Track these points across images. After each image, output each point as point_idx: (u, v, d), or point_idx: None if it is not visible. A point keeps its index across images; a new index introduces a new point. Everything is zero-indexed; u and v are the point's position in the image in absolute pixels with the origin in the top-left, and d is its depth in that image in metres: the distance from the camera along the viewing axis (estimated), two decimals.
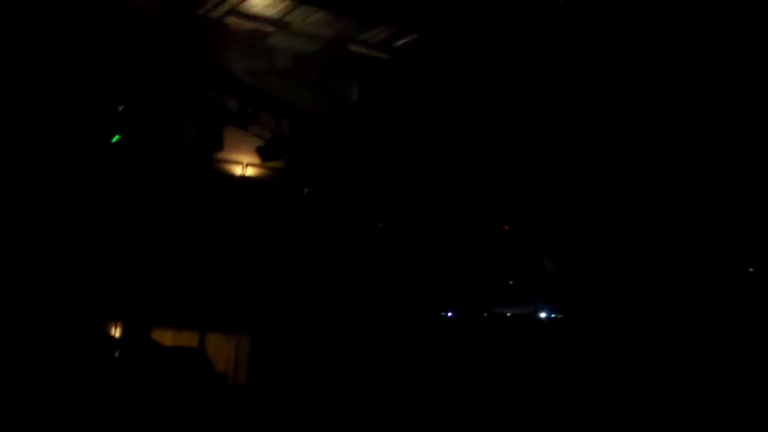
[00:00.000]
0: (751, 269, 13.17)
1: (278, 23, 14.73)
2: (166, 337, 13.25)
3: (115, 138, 12.57)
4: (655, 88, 13.86)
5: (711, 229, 13.46)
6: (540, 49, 14.36)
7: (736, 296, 12.95)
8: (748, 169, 13.36)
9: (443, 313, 15.16)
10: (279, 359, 13.94)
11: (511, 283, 15.01)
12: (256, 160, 13.77)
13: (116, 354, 12.78)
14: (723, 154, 13.49)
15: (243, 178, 14.50)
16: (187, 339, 13.44)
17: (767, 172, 13.20)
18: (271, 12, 14.52)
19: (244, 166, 14.44)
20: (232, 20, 14.54)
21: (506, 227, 15.05)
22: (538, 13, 13.98)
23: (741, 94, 13.22)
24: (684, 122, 13.73)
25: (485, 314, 15.09)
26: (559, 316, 14.85)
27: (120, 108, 12.49)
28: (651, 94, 13.91)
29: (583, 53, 14.05)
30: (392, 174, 14.80)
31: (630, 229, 14.26)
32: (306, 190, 14.28)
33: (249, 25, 14.64)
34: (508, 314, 15.08)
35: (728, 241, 13.37)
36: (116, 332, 13.34)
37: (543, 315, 14.93)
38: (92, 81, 12.26)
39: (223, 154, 13.51)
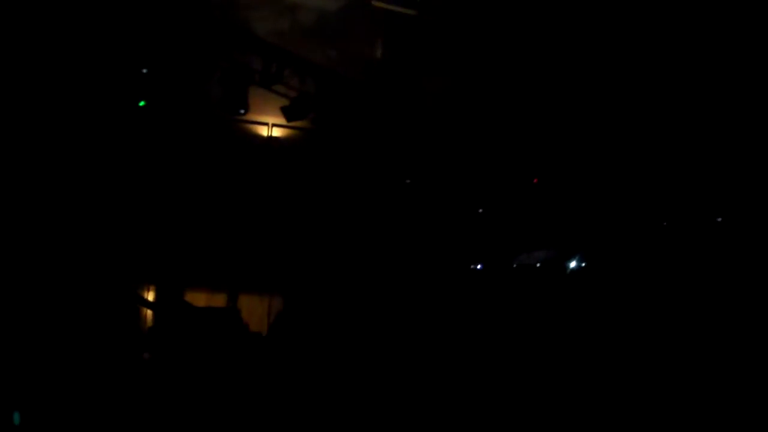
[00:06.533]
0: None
1: None
2: (198, 299, 13.31)
3: (142, 103, 12.57)
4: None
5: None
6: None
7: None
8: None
9: (473, 266, 15.16)
10: (311, 318, 13.99)
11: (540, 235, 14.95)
12: (281, 120, 13.74)
13: (150, 319, 12.95)
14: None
15: (269, 139, 14.46)
16: (220, 300, 13.50)
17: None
18: None
19: (270, 126, 14.38)
20: None
21: (535, 180, 14.97)
22: None
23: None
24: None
25: (515, 266, 15.08)
26: (585, 265, 14.80)
27: (144, 71, 12.47)
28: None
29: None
30: (418, 130, 14.72)
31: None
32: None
33: None
34: (538, 265, 15.06)
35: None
36: (149, 296, 13.45)
37: (572, 265, 14.90)
38: (116, 45, 12.20)
39: (248, 115, 13.49)
